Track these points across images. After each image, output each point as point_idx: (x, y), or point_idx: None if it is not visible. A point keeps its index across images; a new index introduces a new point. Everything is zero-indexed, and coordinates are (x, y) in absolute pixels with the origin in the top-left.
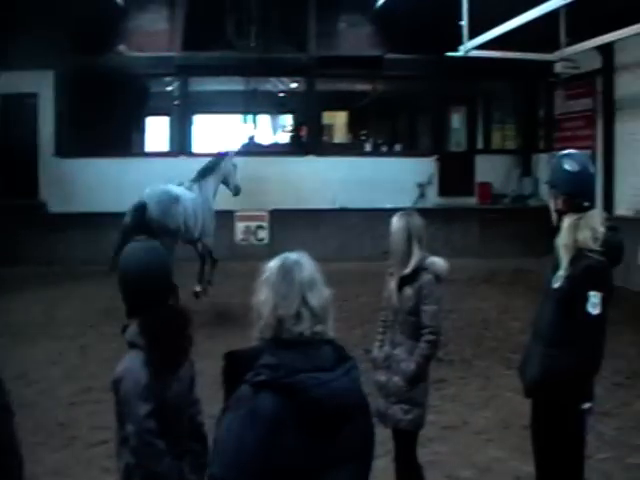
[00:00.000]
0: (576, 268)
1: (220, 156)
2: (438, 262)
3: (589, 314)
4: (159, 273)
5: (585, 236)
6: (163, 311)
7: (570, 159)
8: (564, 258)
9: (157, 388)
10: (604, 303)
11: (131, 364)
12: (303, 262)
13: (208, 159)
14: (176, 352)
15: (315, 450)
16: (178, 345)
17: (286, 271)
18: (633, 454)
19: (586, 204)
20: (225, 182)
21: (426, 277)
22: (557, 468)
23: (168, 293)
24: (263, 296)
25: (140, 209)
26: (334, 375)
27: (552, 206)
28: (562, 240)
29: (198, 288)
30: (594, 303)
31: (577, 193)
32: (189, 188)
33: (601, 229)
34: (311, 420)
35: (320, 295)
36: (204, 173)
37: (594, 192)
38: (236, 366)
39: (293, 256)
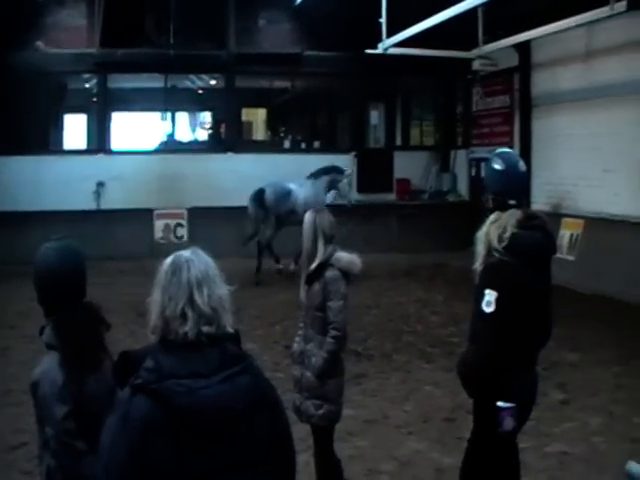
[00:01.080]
0: (483, 266)
1: (336, 169)
2: (344, 258)
3: (483, 312)
4: (70, 272)
5: (492, 235)
6: (74, 310)
7: (498, 158)
8: (479, 255)
9: (74, 388)
10: (502, 302)
11: (48, 366)
12: (194, 260)
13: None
14: (89, 351)
15: (197, 457)
16: (91, 344)
17: (174, 270)
18: (551, 443)
19: (511, 202)
20: (338, 192)
21: (331, 273)
22: (479, 464)
23: (80, 292)
24: (153, 296)
25: (259, 194)
26: (207, 382)
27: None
28: (479, 237)
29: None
30: (488, 301)
31: (502, 191)
32: (302, 184)
33: (510, 229)
34: (185, 427)
35: (211, 294)
36: (318, 174)
37: (522, 191)
38: (126, 366)
39: (185, 254)
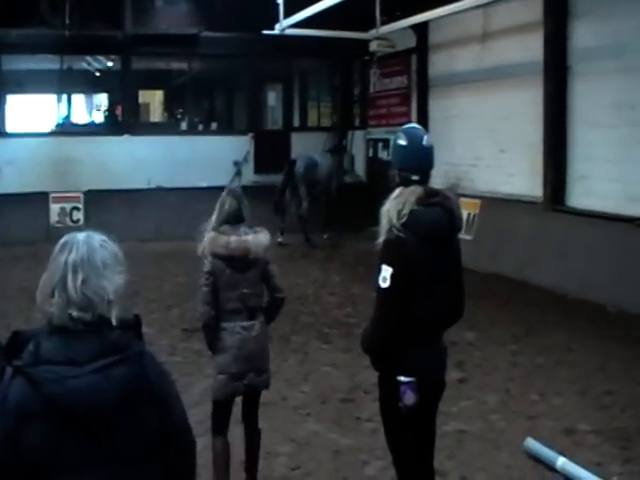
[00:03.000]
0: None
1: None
2: (209, 237)
3: (379, 287)
4: None
5: (392, 211)
6: None
7: (403, 133)
8: (382, 231)
9: None
10: (397, 278)
11: None
12: (82, 243)
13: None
14: None
15: (71, 446)
16: None
17: (60, 250)
18: (449, 422)
19: (414, 178)
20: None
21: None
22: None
23: None
24: (41, 280)
25: (291, 164)
26: (80, 371)
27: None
28: (382, 213)
29: (325, 236)
30: (384, 277)
31: (406, 167)
32: (324, 157)
33: (409, 206)
34: (56, 415)
35: (87, 281)
36: (335, 149)
37: (426, 167)
38: (15, 346)
39: (79, 236)
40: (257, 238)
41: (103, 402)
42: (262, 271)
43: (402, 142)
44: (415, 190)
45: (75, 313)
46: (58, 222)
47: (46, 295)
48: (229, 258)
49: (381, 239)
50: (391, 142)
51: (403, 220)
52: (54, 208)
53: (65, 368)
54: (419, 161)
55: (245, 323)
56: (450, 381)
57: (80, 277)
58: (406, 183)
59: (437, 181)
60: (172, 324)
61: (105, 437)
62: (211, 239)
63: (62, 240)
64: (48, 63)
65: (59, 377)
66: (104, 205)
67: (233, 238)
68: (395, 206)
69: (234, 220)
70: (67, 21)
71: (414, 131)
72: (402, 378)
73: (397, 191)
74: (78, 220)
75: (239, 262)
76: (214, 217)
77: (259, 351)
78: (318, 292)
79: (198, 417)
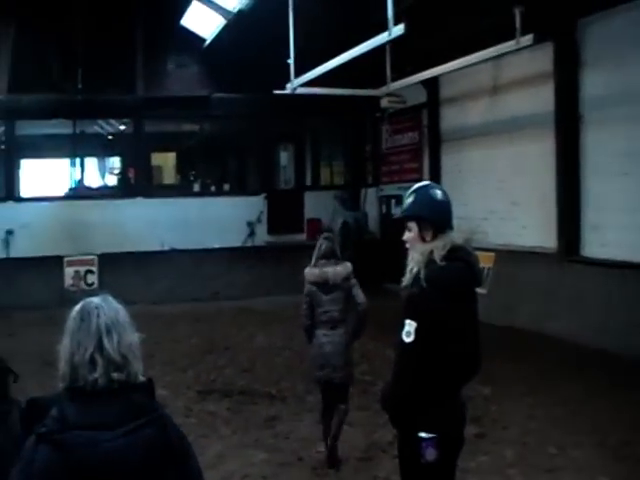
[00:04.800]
0: (405, 297)
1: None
2: (307, 270)
3: (402, 342)
4: None
5: (418, 264)
6: None
7: (435, 189)
8: (406, 283)
9: None
10: (421, 333)
11: None
12: (104, 306)
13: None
14: None
15: None
16: None
17: (83, 317)
18: (467, 478)
19: (444, 231)
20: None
21: None
22: None
23: None
24: (63, 343)
25: (344, 225)
26: (111, 435)
27: (414, 237)
28: (408, 265)
29: None
30: (407, 332)
31: (434, 220)
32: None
33: (439, 259)
34: (84, 479)
35: (120, 341)
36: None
37: (450, 220)
38: (34, 413)
39: (95, 300)
40: (335, 270)
41: (132, 464)
42: (346, 292)
43: (441, 196)
44: (444, 243)
45: (116, 375)
46: (72, 285)
47: (83, 362)
48: (317, 284)
49: (404, 292)
50: (412, 197)
51: (429, 274)
52: (68, 272)
53: (96, 432)
54: (448, 215)
55: (329, 331)
56: (467, 436)
57: (115, 338)
58: (436, 237)
59: (454, 235)
60: (187, 386)
61: None
62: (307, 271)
63: (79, 307)
64: (61, 127)
65: (92, 441)
66: (118, 268)
67: (317, 270)
68: (424, 258)
69: (327, 256)
70: (79, 85)
71: (440, 187)
72: (423, 434)
73: (429, 245)
74: (92, 283)
75: (323, 287)
76: (314, 256)
77: (336, 353)
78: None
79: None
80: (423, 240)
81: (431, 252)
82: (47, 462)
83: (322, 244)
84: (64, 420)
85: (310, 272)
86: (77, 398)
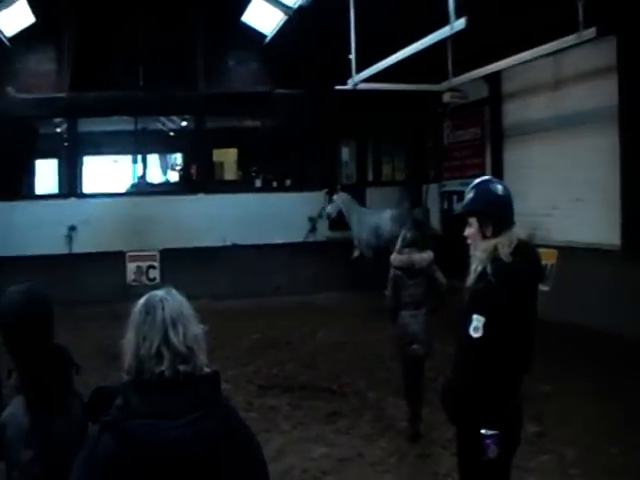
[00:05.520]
0: (471, 292)
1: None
2: (393, 256)
3: (470, 337)
4: (35, 316)
5: (484, 260)
6: (40, 354)
7: (497, 184)
8: (471, 278)
9: (39, 433)
10: (489, 328)
11: (14, 409)
12: (168, 299)
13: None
14: (57, 394)
15: None
16: (58, 387)
17: (148, 310)
18: (527, 477)
19: (509, 227)
20: None
21: None
22: None
23: (47, 336)
24: (128, 336)
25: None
26: (174, 424)
27: (475, 233)
28: (473, 261)
29: None
30: (475, 327)
31: (499, 215)
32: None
33: (502, 254)
34: (147, 468)
35: (185, 333)
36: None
37: (513, 216)
38: (98, 402)
39: (159, 294)
40: (421, 256)
41: (194, 455)
42: (428, 276)
43: (501, 191)
44: (509, 239)
45: (182, 367)
46: (134, 281)
47: (150, 355)
48: (402, 269)
49: (471, 282)
50: (473, 192)
51: (496, 270)
52: (130, 267)
53: (159, 421)
54: (508, 210)
55: (413, 312)
56: (527, 435)
57: (181, 330)
58: (497, 232)
59: (517, 230)
60: (248, 380)
61: None
62: (394, 257)
63: (143, 300)
64: (123, 124)
65: (155, 430)
66: (180, 263)
67: (405, 257)
68: (488, 255)
69: (411, 244)
70: (141, 82)
71: (500, 182)
72: (485, 431)
73: (493, 241)
74: (154, 278)
75: (408, 272)
76: (398, 244)
77: (420, 330)
78: (394, 348)
79: (274, 473)
80: (484, 236)
81: (495, 248)
82: (110, 450)
83: (407, 234)
84: (128, 409)
85: (397, 258)
86: (142, 389)
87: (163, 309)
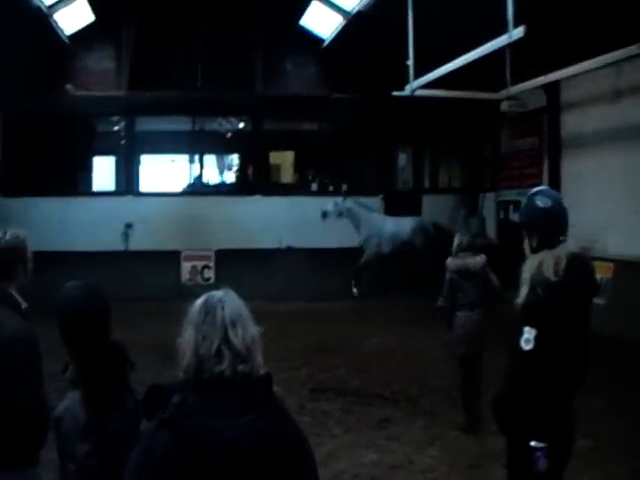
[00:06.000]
0: (523, 304)
1: None
2: (448, 260)
3: (521, 349)
4: (91, 311)
5: (535, 272)
6: (97, 349)
7: (543, 196)
8: (523, 291)
9: (95, 427)
10: (540, 341)
11: (71, 403)
12: (227, 300)
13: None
14: (112, 389)
15: None
16: (113, 383)
17: (208, 309)
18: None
19: (562, 238)
20: None
21: None
22: None
23: (103, 331)
24: (186, 335)
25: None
26: (232, 423)
27: (527, 246)
28: (524, 274)
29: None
30: (527, 339)
31: (549, 228)
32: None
33: (554, 267)
34: (204, 466)
35: (244, 333)
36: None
37: (566, 229)
38: (155, 400)
39: (218, 294)
40: (476, 260)
41: (250, 454)
42: (482, 279)
43: (544, 204)
44: (555, 257)
45: (241, 367)
46: (189, 280)
47: (209, 354)
48: (459, 272)
49: (521, 299)
50: (523, 203)
51: (546, 283)
52: (185, 266)
53: (217, 420)
54: (564, 223)
55: (468, 312)
56: (580, 450)
57: (240, 331)
58: (549, 245)
59: (569, 243)
60: (301, 384)
61: None
62: (449, 261)
63: (202, 300)
64: (180, 124)
65: (213, 429)
66: (235, 264)
67: (460, 261)
68: (540, 267)
69: (466, 250)
70: (199, 83)
71: (554, 193)
72: (535, 443)
73: (538, 256)
74: (209, 278)
75: (464, 275)
76: (454, 248)
77: (475, 330)
78: (446, 354)
79: (324, 477)
80: (531, 248)
81: (540, 269)
82: (167, 447)
83: (462, 240)
84: (186, 407)
85: (453, 262)
86: (201, 388)
87: (223, 309)
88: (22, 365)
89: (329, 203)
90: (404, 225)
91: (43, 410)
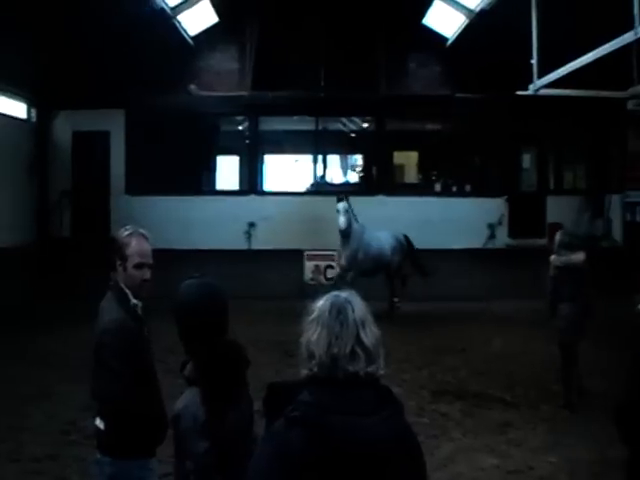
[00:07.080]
0: None
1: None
2: (551, 258)
3: None
4: (209, 309)
5: None
6: (216, 347)
7: None
8: None
9: (215, 425)
10: None
11: (189, 401)
12: (354, 301)
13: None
14: (230, 387)
15: None
16: (231, 380)
17: (339, 310)
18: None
19: None
20: None
21: None
22: None
23: (221, 329)
24: (315, 335)
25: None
26: (369, 421)
27: None
28: None
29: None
30: None
31: None
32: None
33: None
34: (338, 464)
35: (372, 335)
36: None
37: None
38: (277, 397)
39: (343, 295)
40: (576, 256)
41: (386, 451)
42: (582, 273)
43: None
44: None
45: (372, 367)
46: (312, 279)
47: (344, 354)
48: (560, 268)
49: None
50: None
51: None
52: (308, 265)
53: (352, 419)
54: None
55: (570, 304)
56: None
57: (369, 332)
58: None
59: None
60: (421, 385)
61: None
62: (553, 258)
63: (330, 301)
64: (303, 124)
65: (351, 427)
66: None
67: (563, 257)
68: None
69: (565, 247)
70: (322, 83)
71: None
72: None
73: None
74: (332, 278)
75: (564, 271)
76: (556, 246)
77: (573, 321)
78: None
79: None
80: None
81: None
82: (305, 445)
83: (564, 238)
84: (319, 405)
85: (556, 259)
86: (334, 387)
87: (353, 311)
88: (110, 355)
89: (340, 204)
90: (385, 245)
91: (146, 403)
